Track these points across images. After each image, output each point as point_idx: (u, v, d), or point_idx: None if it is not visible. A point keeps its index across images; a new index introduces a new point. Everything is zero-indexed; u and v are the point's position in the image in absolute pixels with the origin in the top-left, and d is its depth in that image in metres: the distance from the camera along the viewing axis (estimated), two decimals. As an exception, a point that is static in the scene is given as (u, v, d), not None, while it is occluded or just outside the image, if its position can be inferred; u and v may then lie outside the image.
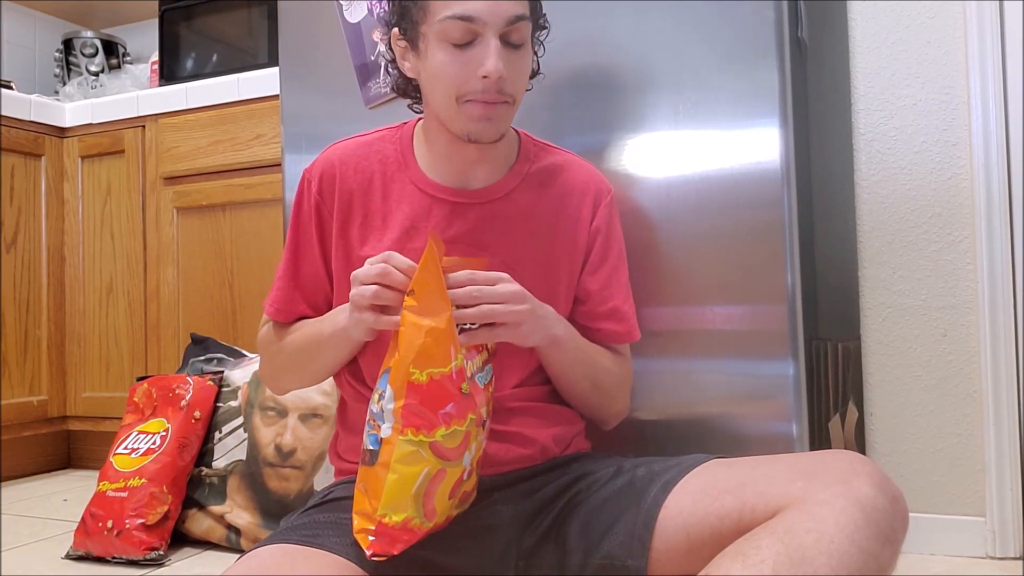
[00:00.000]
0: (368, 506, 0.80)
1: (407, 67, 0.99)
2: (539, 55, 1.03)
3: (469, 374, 0.83)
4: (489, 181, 1.02)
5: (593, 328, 1.04)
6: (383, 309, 0.85)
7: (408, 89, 1.03)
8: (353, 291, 0.86)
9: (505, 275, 0.89)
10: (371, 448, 0.80)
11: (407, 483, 0.79)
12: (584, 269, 1.05)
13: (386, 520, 0.78)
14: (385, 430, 0.79)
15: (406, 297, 0.81)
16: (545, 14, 1.01)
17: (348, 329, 0.90)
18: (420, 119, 1.05)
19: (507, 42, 0.91)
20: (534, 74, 1.02)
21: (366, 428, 0.82)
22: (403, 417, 0.79)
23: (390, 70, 1.04)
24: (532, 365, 1.00)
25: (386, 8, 0.96)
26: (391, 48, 1.00)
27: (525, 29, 0.93)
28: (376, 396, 0.82)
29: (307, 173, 1.04)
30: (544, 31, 1.02)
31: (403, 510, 0.79)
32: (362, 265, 0.87)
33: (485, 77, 0.90)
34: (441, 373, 0.79)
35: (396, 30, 0.97)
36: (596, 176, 1.09)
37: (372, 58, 1.38)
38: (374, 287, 0.84)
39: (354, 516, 0.81)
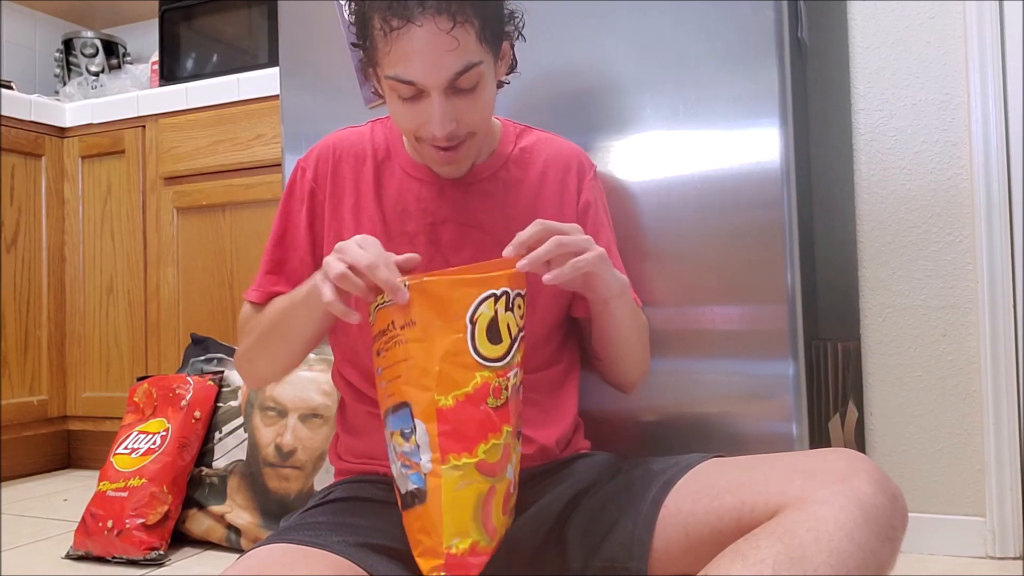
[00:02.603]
0: (430, 542, 0.78)
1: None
2: (515, 45, 0.98)
3: (498, 384, 0.81)
4: (473, 163, 1.02)
5: None
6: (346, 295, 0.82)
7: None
8: (328, 257, 0.83)
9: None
10: (416, 487, 0.79)
11: (465, 509, 0.78)
12: None
13: (453, 551, 0.77)
14: (426, 464, 0.78)
15: (406, 329, 0.79)
16: (513, 11, 0.94)
17: (318, 288, 0.84)
18: None
19: (458, 89, 0.89)
20: (511, 70, 1.01)
21: (401, 471, 0.80)
22: (441, 446, 0.78)
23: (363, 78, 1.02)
24: (531, 339, 0.99)
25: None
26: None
27: (475, 74, 0.88)
28: (399, 436, 0.80)
29: (301, 162, 1.06)
30: (515, 30, 0.96)
31: (467, 535, 0.78)
32: None
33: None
34: (466, 393, 0.78)
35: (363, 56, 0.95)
36: (577, 151, 1.10)
37: (372, 58, 1.38)
38: (343, 268, 0.80)
39: (418, 560, 0.79)
